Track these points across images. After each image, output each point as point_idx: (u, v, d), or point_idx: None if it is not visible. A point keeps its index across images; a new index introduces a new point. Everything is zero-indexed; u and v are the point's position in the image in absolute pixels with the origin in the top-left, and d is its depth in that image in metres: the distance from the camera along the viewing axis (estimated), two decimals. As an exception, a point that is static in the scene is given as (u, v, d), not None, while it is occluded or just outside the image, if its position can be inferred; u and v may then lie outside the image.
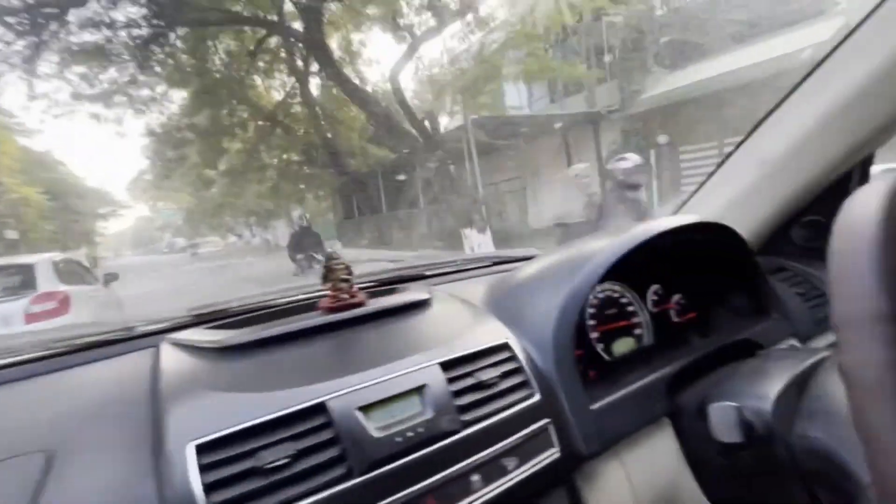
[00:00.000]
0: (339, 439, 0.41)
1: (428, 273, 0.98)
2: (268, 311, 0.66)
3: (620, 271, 0.86)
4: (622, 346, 0.80)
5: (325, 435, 0.41)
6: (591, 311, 0.80)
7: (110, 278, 4.48)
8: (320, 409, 0.42)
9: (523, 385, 0.52)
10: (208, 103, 9.70)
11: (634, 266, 0.89)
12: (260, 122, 11.20)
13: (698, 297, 0.90)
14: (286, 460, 0.38)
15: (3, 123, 13.26)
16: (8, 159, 12.62)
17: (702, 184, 1.02)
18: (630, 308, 0.85)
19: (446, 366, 0.49)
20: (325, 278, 0.57)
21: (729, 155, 0.96)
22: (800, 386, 0.52)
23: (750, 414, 0.43)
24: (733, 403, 0.42)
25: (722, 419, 0.41)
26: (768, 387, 0.51)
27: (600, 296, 0.82)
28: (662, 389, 0.62)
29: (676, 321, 0.88)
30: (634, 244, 0.63)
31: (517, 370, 0.53)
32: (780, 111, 0.85)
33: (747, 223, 0.95)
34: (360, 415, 0.42)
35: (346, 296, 0.57)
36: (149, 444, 0.40)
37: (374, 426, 0.42)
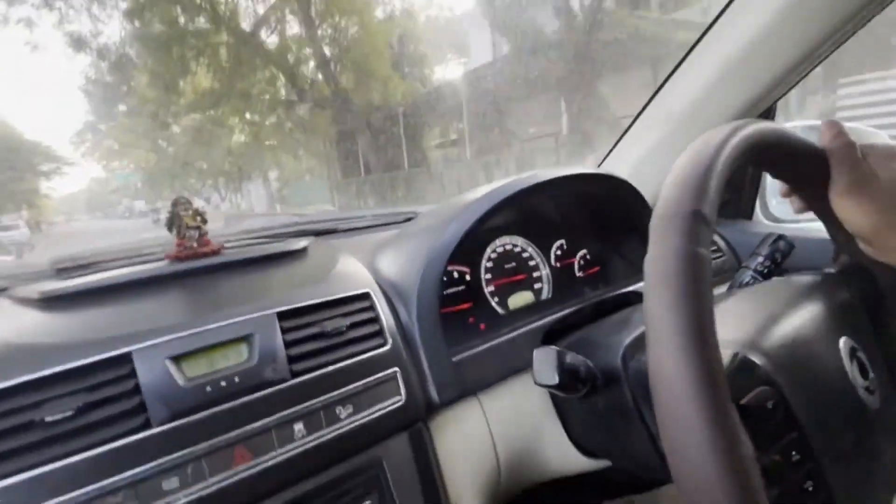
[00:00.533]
0: (140, 389, 0.38)
1: (341, 227, 0.94)
2: (123, 260, 0.61)
3: (520, 226, 0.85)
4: (519, 299, 0.80)
5: (126, 385, 0.38)
6: (488, 264, 0.79)
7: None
8: (125, 359, 0.39)
9: (375, 335, 0.50)
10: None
11: (538, 220, 0.88)
12: (231, 41, 8.25)
13: (602, 252, 0.91)
14: (70, 412, 0.35)
15: None
16: None
17: (618, 140, 1.01)
18: (532, 262, 0.84)
19: (285, 315, 0.47)
20: (169, 226, 0.53)
21: (641, 111, 0.94)
22: None
23: (570, 357, 0.43)
24: (555, 347, 0.42)
25: (541, 362, 0.41)
26: (623, 336, 0.51)
27: (499, 250, 0.82)
28: (535, 341, 0.63)
29: (580, 275, 0.89)
30: (499, 199, 0.61)
31: (371, 320, 0.51)
32: (685, 65, 0.84)
33: (657, 178, 0.95)
34: (170, 364, 0.40)
35: (194, 244, 0.53)
36: None
37: (184, 376, 0.40)
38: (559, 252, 0.87)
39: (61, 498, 0.33)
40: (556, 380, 0.40)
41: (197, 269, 0.53)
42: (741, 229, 0.95)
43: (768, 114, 0.84)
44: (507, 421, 0.57)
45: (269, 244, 0.65)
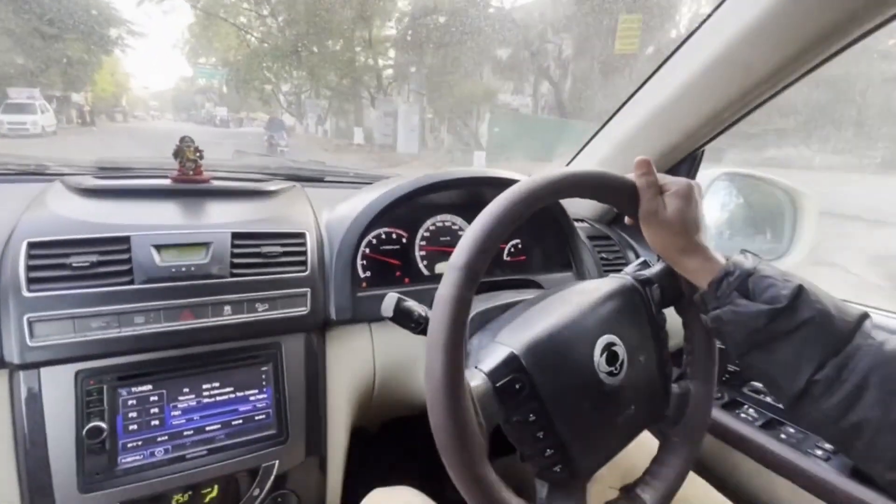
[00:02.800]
0: (131, 260, 0.60)
1: (326, 178, 1.14)
2: (145, 172, 0.83)
3: (462, 208, 1.02)
4: (444, 266, 0.99)
5: (123, 255, 0.60)
6: (424, 233, 0.98)
7: None
8: (124, 240, 0.61)
9: (300, 263, 0.70)
10: None
11: (477, 206, 1.04)
12: None
13: (530, 244, 1.08)
14: (87, 264, 0.58)
15: None
16: None
17: (574, 157, 1.15)
18: (465, 240, 1.02)
19: (238, 235, 0.67)
20: (175, 155, 0.73)
21: (602, 126, 1.07)
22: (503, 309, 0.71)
23: (409, 305, 0.61)
24: (398, 294, 0.61)
25: (386, 301, 0.60)
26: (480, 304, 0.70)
27: (438, 224, 1.00)
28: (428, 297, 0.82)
29: (507, 260, 1.07)
30: (419, 185, 0.79)
31: (300, 252, 0.71)
32: (636, 96, 0.96)
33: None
34: (153, 250, 0.61)
35: (190, 172, 0.74)
36: (6, 238, 0.59)
37: (160, 258, 0.61)
38: None
39: (71, 311, 0.56)
40: (390, 314, 0.59)
41: (188, 190, 0.74)
42: None
43: (694, 158, 0.97)
44: (390, 348, 0.78)
45: (251, 182, 0.85)
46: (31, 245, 0.57)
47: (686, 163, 0.97)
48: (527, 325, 0.56)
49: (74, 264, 0.57)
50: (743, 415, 0.90)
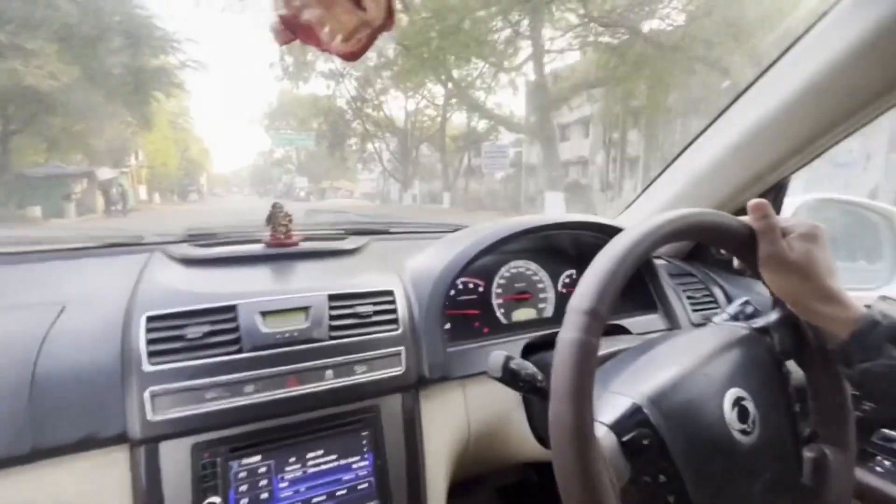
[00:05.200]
0: (239, 329, 0.61)
1: (393, 230, 1.16)
2: (236, 238, 0.87)
3: (536, 253, 1.01)
4: (521, 314, 0.97)
5: (230, 325, 0.61)
6: (500, 281, 0.96)
7: None
8: (232, 308, 0.62)
9: (391, 321, 0.70)
10: None
11: (554, 252, 1.03)
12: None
13: None
14: (200, 335, 0.59)
15: None
16: None
17: (640, 193, 1.13)
18: (540, 285, 1.00)
19: (333, 297, 0.68)
20: (268, 221, 0.76)
21: (664, 170, 1.05)
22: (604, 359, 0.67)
23: (516, 364, 0.59)
24: (505, 353, 0.58)
25: (492, 361, 0.58)
26: None
27: (513, 270, 0.98)
28: (516, 350, 0.79)
29: (583, 303, 1.03)
30: (506, 234, 0.78)
31: (391, 311, 0.71)
32: (709, 131, 0.94)
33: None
34: (258, 317, 0.62)
35: (281, 237, 0.77)
36: (124, 312, 0.62)
37: (265, 325, 0.62)
38: (567, 280, 1.02)
39: (188, 383, 0.57)
40: (499, 375, 0.57)
41: (282, 254, 0.77)
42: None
43: (780, 187, 0.92)
44: (483, 404, 0.75)
45: (333, 241, 0.87)
46: (150, 319, 0.59)
47: (771, 192, 0.93)
48: (642, 375, 0.53)
49: (189, 335, 0.59)
50: (878, 468, 0.80)
